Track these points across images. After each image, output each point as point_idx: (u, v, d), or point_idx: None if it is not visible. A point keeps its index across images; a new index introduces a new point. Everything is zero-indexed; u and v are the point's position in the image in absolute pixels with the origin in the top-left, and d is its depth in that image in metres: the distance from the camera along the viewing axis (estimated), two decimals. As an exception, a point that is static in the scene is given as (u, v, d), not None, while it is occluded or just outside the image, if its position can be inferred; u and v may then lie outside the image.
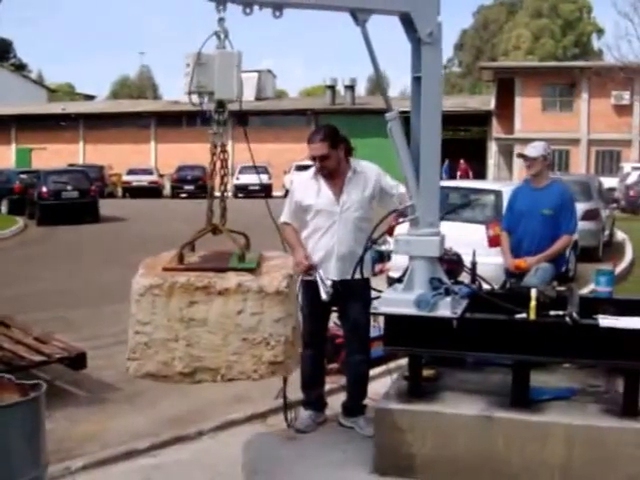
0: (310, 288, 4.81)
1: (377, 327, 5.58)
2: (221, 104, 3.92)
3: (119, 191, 37.26)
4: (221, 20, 3.94)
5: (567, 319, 4.03)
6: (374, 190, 4.89)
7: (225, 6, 3.98)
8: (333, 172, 4.85)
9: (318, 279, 4.75)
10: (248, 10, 4.08)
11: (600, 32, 67.37)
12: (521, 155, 6.15)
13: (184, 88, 3.92)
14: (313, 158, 4.84)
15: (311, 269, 4.78)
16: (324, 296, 4.70)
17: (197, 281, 3.53)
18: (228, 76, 3.87)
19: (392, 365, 5.49)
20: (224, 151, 3.97)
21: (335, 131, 4.90)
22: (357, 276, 4.64)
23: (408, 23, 4.28)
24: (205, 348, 3.53)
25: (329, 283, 4.73)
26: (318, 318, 4.96)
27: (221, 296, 3.51)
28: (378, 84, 4.63)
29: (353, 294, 4.78)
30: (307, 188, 4.91)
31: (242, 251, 3.74)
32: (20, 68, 66.99)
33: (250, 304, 3.50)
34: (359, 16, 4.19)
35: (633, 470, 3.87)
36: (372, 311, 4.56)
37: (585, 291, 7.64)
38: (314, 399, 5.06)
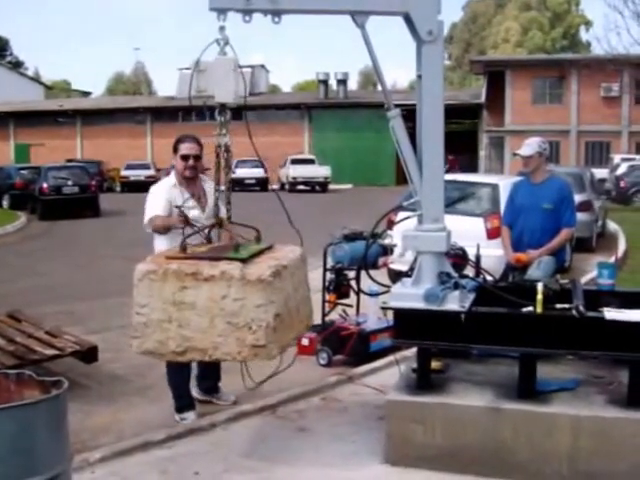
0: None
1: (384, 320, 5.70)
2: (223, 106, 4.16)
3: (117, 186, 37.38)
4: (222, 28, 4.13)
5: (573, 312, 4.14)
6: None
7: (226, 15, 4.12)
8: (195, 176, 5.12)
9: None
10: (247, 18, 4.22)
11: (588, 24, 67.59)
12: (516, 154, 6.23)
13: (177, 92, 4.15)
14: (185, 157, 5.03)
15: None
16: None
17: (187, 268, 3.87)
18: (226, 80, 4.09)
19: (398, 356, 5.59)
20: (228, 151, 4.24)
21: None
22: None
23: (409, 22, 4.35)
24: (194, 329, 3.87)
25: None
26: None
27: (207, 282, 3.83)
28: (380, 83, 4.71)
29: None
30: (172, 195, 5.03)
31: (237, 243, 4.17)
32: (17, 65, 66.99)
33: (233, 290, 3.80)
34: (357, 19, 4.28)
35: (638, 460, 3.95)
36: (382, 305, 4.67)
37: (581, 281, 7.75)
38: None
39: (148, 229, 5.03)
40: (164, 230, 4.89)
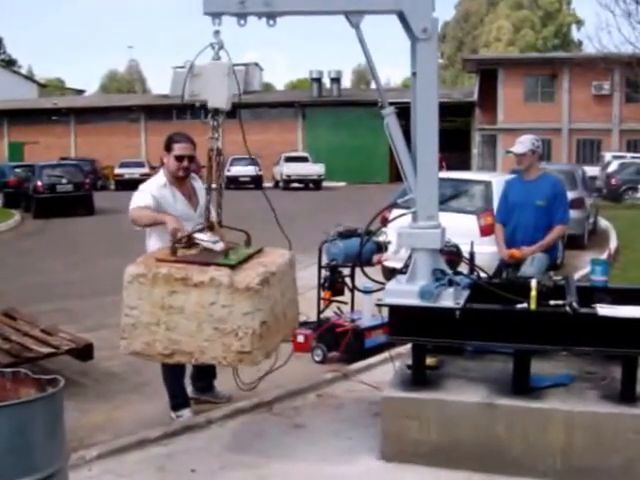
0: None
1: (378, 316, 5.71)
2: (217, 111, 4.16)
3: (111, 184, 37.34)
4: (216, 32, 4.11)
5: (567, 308, 4.16)
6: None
7: (220, 19, 4.12)
8: (187, 177, 5.06)
9: None
10: (242, 22, 4.22)
11: (579, 23, 67.76)
12: (509, 152, 6.26)
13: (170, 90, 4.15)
14: (179, 158, 4.94)
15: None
16: None
17: (176, 273, 3.90)
18: (219, 85, 4.09)
19: (393, 352, 5.61)
20: (220, 154, 4.24)
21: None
22: None
23: (404, 21, 4.37)
24: (182, 333, 3.92)
25: None
26: None
27: (197, 288, 3.87)
28: (375, 81, 4.75)
29: None
30: (162, 194, 4.97)
31: (228, 248, 4.19)
32: (10, 63, 66.99)
33: (222, 297, 3.85)
34: (352, 19, 4.29)
35: (631, 454, 4.00)
36: (377, 302, 4.69)
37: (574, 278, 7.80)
38: None
39: (132, 216, 4.86)
40: (147, 223, 4.80)
